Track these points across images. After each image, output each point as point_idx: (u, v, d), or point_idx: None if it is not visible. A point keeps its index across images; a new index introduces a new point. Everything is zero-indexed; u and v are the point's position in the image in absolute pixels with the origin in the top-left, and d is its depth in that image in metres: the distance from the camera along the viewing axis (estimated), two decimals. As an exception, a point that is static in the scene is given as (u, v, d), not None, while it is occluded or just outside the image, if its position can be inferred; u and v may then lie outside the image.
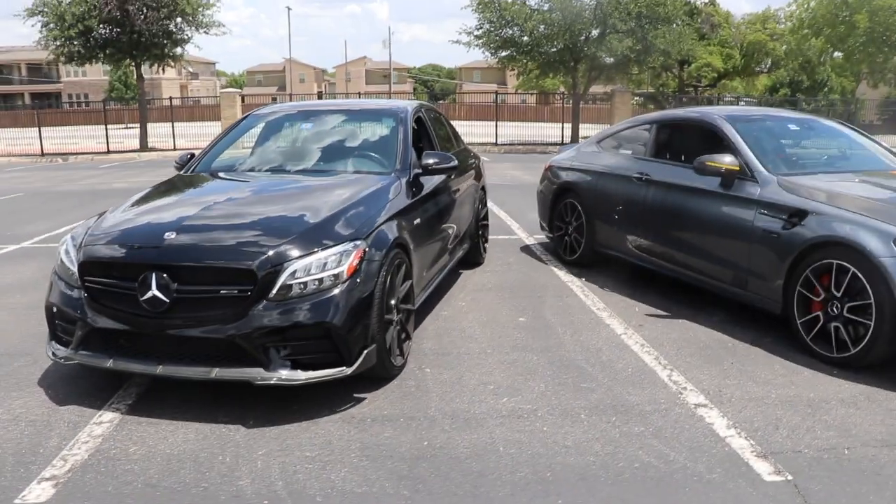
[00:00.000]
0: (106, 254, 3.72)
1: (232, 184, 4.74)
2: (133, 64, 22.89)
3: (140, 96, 24.02)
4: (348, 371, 3.58)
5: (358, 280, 3.63)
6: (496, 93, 27.27)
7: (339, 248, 3.65)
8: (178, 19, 22.31)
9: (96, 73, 53.67)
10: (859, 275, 3.99)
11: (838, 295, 4.12)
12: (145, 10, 21.25)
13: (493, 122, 25.40)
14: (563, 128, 25.54)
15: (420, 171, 4.78)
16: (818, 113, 32.27)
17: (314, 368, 3.55)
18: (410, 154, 4.85)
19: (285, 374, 3.48)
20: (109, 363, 3.61)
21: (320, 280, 3.55)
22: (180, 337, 3.52)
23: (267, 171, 4.97)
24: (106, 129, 22.96)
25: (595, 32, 23.38)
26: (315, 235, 3.68)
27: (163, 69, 24.18)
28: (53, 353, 3.81)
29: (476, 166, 6.67)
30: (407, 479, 2.98)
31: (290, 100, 51.81)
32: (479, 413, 3.59)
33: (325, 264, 3.59)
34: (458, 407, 3.67)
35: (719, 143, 5.19)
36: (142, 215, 4.04)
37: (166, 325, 3.51)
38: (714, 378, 4.01)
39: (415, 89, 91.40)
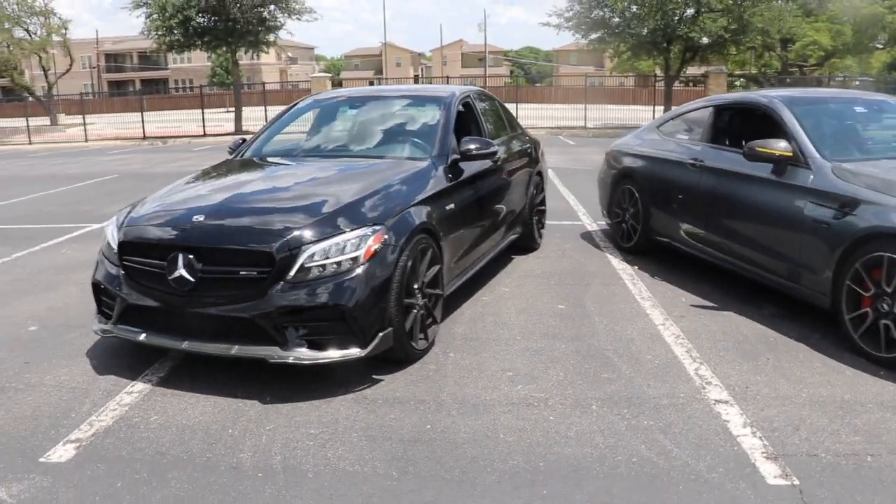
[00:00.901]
0: (141, 234, 3.93)
1: (270, 169, 4.88)
2: (229, 50, 23.75)
3: (235, 81, 25.02)
4: (362, 353, 3.65)
5: (376, 264, 3.68)
6: (585, 76, 26.68)
7: (358, 232, 3.71)
8: (272, 7, 22.96)
9: (200, 60, 56.11)
10: (912, 269, 3.70)
11: (889, 290, 3.85)
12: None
13: (588, 105, 24.96)
14: (654, 111, 24.77)
15: (458, 156, 4.77)
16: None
17: (329, 349, 3.64)
18: (450, 140, 4.84)
19: (300, 354, 3.59)
20: (142, 337, 3.83)
21: (339, 263, 3.63)
22: (204, 315, 3.69)
23: (310, 155, 5.08)
24: (202, 113, 24.05)
25: (689, 12, 22.47)
26: (335, 220, 3.75)
27: (257, 55, 24.99)
28: (96, 327, 4.08)
29: (531, 152, 6.58)
30: (400, 461, 3.02)
31: (386, 83, 52.67)
32: (489, 399, 3.58)
33: (344, 248, 3.66)
34: (471, 392, 3.67)
35: (776, 127, 4.91)
36: (178, 198, 4.23)
37: (192, 303, 3.69)
38: (744, 374, 3.83)
39: (511, 72, 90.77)
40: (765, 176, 4.78)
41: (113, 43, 65.67)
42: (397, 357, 3.94)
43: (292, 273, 3.58)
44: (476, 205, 5.00)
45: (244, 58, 26.97)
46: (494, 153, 4.90)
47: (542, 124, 25.30)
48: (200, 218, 3.81)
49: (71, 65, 31.13)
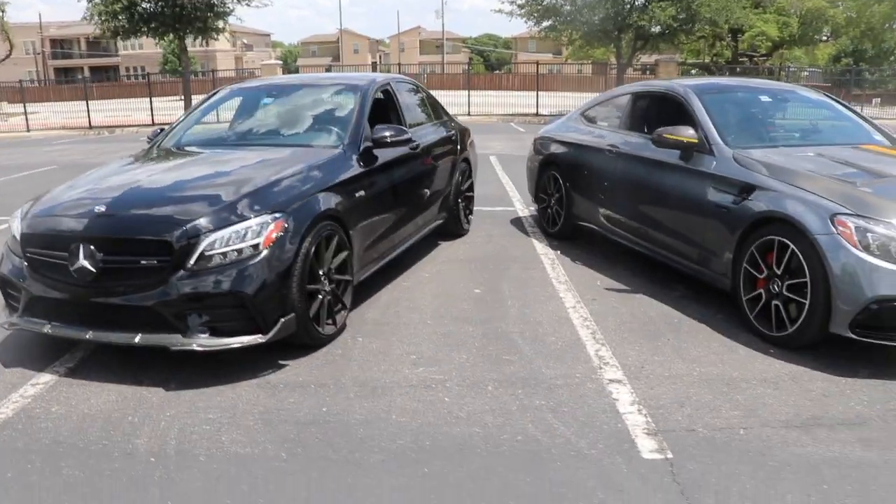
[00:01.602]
0: (43, 226, 3.90)
1: (181, 158, 4.84)
2: (177, 37, 23.31)
3: (184, 69, 24.57)
4: (264, 339, 3.68)
5: (276, 251, 3.71)
6: (537, 63, 26.83)
7: (258, 220, 3.73)
8: (220, -8, 22.57)
9: (152, 47, 54.89)
10: (797, 252, 3.86)
11: (779, 272, 4.00)
12: (187, -16, 21.60)
13: (543, 93, 25.12)
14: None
15: (371, 144, 4.80)
16: (883, 84, 30.75)
17: (231, 335, 3.66)
18: (363, 128, 4.87)
19: (202, 341, 3.61)
20: (47, 328, 3.81)
21: (239, 251, 3.65)
22: (107, 304, 3.68)
23: (224, 145, 5.07)
24: (150, 101, 23.58)
25: (639, 1, 22.74)
26: (235, 208, 3.77)
27: (206, 42, 24.57)
28: (2, 320, 4.03)
29: (455, 140, 6.63)
30: (291, 443, 3.07)
31: (342, 70, 52.22)
32: (389, 382, 3.64)
33: (244, 235, 3.68)
34: (372, 376, 3.72)
35: (686, 115, 5.04)
36: (82, 190, 4.19)
37: (94, 293, 3.68)
38: (642, 354, 3.95)
39: (470, 59, 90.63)
40: (674, 162, 4.91)
41: (58, 28, 63.65)
42: (303, 342, 3.97)
43: (192, 261, 3.59)
44: (391, 191, 5.04)
45: (197, 45, 26.45)
46: (408, 140, 4.94)
47: (496, 111, 25.42)
48: (101, 209, 3.79)
49: (11, 51, 30.15)
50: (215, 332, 3.65)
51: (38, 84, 48.89)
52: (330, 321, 4.16)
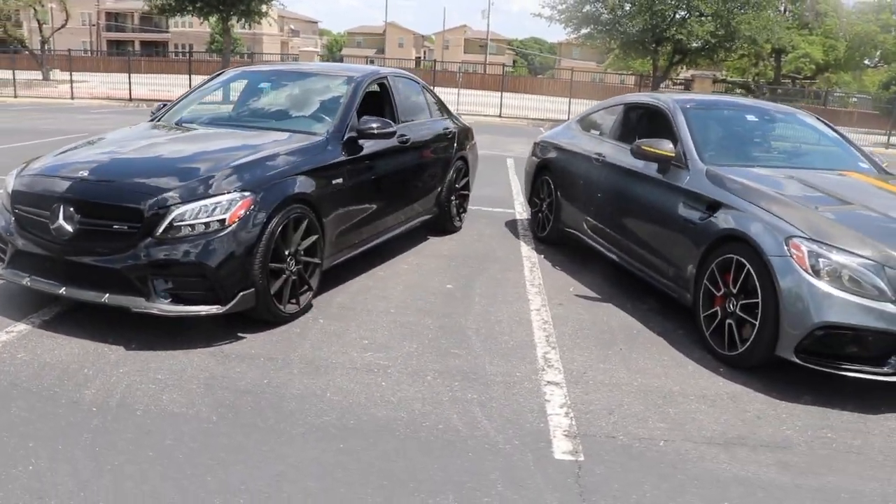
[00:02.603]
0: (31, 185, 4.12)
1: (173, 133, 5.02)
2: (221, 18, 23.74)
3: (224, 49, 24.99)
4: (221, 310, 3.84)
5: (241, 227, 3.86)
6: (571, 70, 26.74)
7: (228, 196, 3.88)
8: (265, -24, 22.92)
9: (202, 26, 55.95)
10: (752, 272, 3.89)
11: (735, 291, 4.04)
12: (234, -34, 21.98)
13: (577, 100, 25.03)
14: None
15: (356, 134, 4.92)
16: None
17: (191, 304, 3.82)
18: (349, 118, 4.99)
19: (163, 306, 3.78)
20: (26, 281, 4.02)
21: (207, 224, 3.81)
22: (81, 263, 3.88)
23: (217, 124, 5.22)
24: (190, 79, 24.04)
25: (679, 14, 22.57)
26: (208, 183, 3.92)
27: (250, 25, 24.96)
28: None
29: (453, 137, 6.72)
30: (224, 408, 3.21)
31: (386, 63, 52.60)
32: (334, 363, 3.77)
33: (213, 210, 3.84)
34: (320, 355, 3.85)
35: (670, 128, 5.09)
36: (75, 155, 4.39)
37: (70, 251, 3.88)
38: (590, 360, 4.02)
39: (514, 62, 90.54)
40: (651, 175, 4.96)
41: (115, 1, 65.22)
42: (263, 317, 4.12)
43: (160, 230, 3.75)
44: (373, 182, 5.16)
45: (245, 27, 26.90)
46: (393, 133, 5.05)
47: (530, 115, 25.40)
48: (84, 173, 3.99)
49: (66, 20, 31.00)
50: (177, 299, 3.81)
51: (91, 54, 50.00)
52: (294, 301, 4.30)
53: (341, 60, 62.63)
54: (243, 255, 3.86)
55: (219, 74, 6.00)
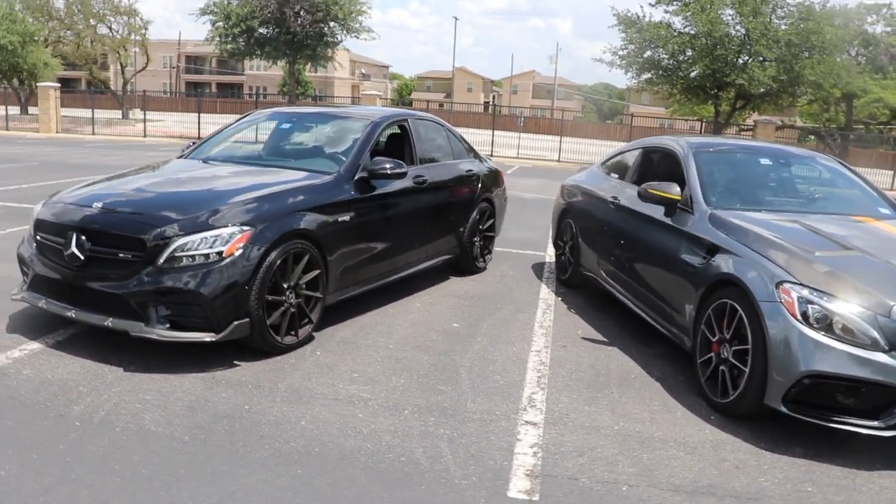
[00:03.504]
0: (51, 214, 4.42)
1: (192, 169, 5.27)
2: (288, 62, 24.78)
3: (290, 91, 26.05)
4: (215, 338, 4.01)
5: (238, 260, 4.03)
6: (632, 115, 26.62)
7: (227, 230, 4.08)
8: (332, 24, 23.87)
9: (276, 69, 58.40)
10: (744, 317, 3.82)
11: (728, 337, 3.96)
12: (301, 14, 23.00)
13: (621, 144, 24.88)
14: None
15: (367, 174, 5.07)
16: None
17: (188, 330, 4.00)
18: (363, 158, 5.15)
19: (161, 331, 3.97)
20: (42, 303, 4.30)
21: (206, 255, 4.01)
22: (89, 288, 4.13)
23: (236, 162, 5.47)
24: (257, 119, 25.07)
25: (741, 60, 22.29)
26: (210, 217, 4.13)
27: (315, 69, 25.96)
28: (15, 292, 4.56)
29: (477, 179, 6.81)
30: (199, 429, 3.34)
31: (453, 107, 53.54)
32: (318, 393, 3.86)
33: (213, 243, 4.03)
34: (307, 385, 3.95)
35: (680, 171, 5.06)
36: (98, 186, 4.71)
37: (80, 277, 4.14)
38: (575, 402, 3.99)
39: (583, 107, 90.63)
40: (659, 218, 4.93)
41: (194, 45, 68.75)
42: (258, 347, 4.26)
43: (162, 260, 3.97)
44: (384, 221, 5.28)
45: (316, 72, 28.03)
46: (404, 174, 5.18)
47: (588, 159, 25.31)
48: (99, 204, 4.27)
49: (146, 64, 32.98)
50: (174, 326, 4.00)
51: (168, 95, 52.78)
52: (293, 333, 4.43)
53: (410, 105, 64.08)
54: (239, 287, 4.02)
55: (246, 115, 6.29)
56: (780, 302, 3.64)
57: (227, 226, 4.10)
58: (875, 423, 3.48)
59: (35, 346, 4.27)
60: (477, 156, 7.22)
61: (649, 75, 24.63)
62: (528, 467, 3.21)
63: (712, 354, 4.08)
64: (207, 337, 4.00)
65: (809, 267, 3.77)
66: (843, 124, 30.15)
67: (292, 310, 4.39)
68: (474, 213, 6.71)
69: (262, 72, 64.20)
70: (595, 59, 54.52)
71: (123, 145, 22.22)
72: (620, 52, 25.09)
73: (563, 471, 3.21)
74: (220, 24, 23.60)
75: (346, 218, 4.83)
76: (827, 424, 3.53)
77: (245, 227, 4.12)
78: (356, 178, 5.03)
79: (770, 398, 3.64)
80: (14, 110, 31.10)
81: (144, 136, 24.77)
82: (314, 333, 4.73)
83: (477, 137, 28.77)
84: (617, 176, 6.20)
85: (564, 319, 5.63)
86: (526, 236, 9.39)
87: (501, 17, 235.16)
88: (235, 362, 4.20)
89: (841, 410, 3.56)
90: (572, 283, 6.61)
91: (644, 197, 4.91)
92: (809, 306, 3.57)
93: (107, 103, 36.46)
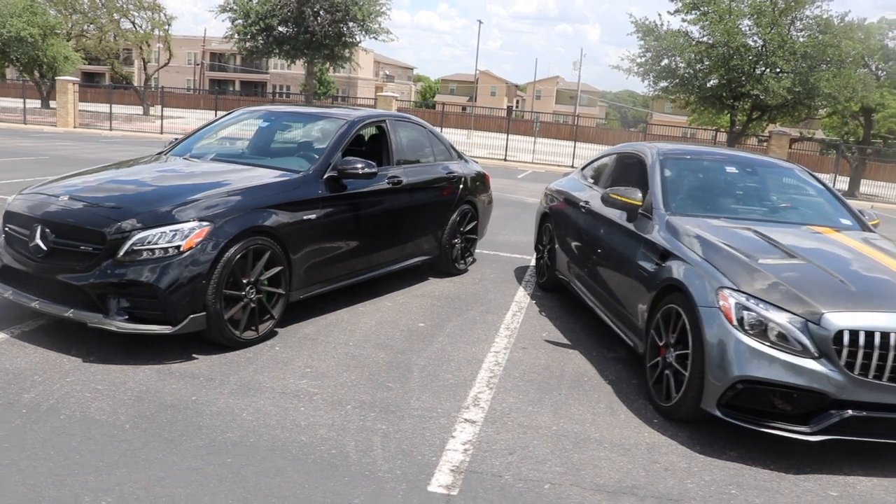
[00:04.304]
0: (20, 206, 4.56)
1: (166, 165, 5.41)
2: (307, 61, 25.02)
3: (308, 91, 26.26)
4: (172, 330, 4.12)
5: (196, 254, 4.14)
6: (650, 124, 26.50)
7: (186, 225, 4.19)
8: (351, 24, 24.08)
9: (299, 68, 58.82)
10: (686, 322, 3.86)
11: (673, 342, 4.00)
12: (321, 13, 23.23)
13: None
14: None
15: (336, 173, 5.17)
16: None
17: (146, 323, 4.12)
18: (334, 158, 5.25)
19: (119, 323, 4.10)
20: (8, 294, 4.44)
21: (165, 250, 4.12)
22: (52, 280, 4.26)
23: (215, 159, 5.58)
24: (273, 118, 25.37)
25: (758, 70, 22.12)
26: (171, 212, 4.25)
27: (333, 68, 26.20)
28: None
29: (458, 182, 6.88)
30: (141, 419, 3.45)
31: (474, 111, 53.66)
32: (268, 387, 3.96)
33: (173, 237, 4.15)
34: (258, 379, 4.05)
35: (645, 177, 5.11)
36: (67, 180, 4.85)
37: (44, 269, 4.27)
38: (519, 403, 4.05)
39: (607, 114, 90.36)
40: (622, 223, 4.98)
41: (219, 42, 69.63)
42: (216, 340, 4.37)
43: (121, 253, 4.09)
44: (355, 220, 5.38)
45: (336, 71, 28.28)
46: (374, 174, 5.26)
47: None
48: (65, 198, 4.40)
49: (169, 59, 33.45)
50: (133, 318, 4.12)
51: (192, 92, 53.46)
52: (253, 328, 4.54)
53: (433, 107, 64.28)
54: (195, 280, 4.14)
55: (228, 113, 6.42)
56: (719, 307, 3.69)
57: (187, 221, 4.21)
58: (804, 429, 3.53)
59: (1, 336, 4.41)
60: (461, 158, 7.30)
61: (665, 84, 24.53)
62: (455, 463, 3.28)
63: (659, 359, 4.13)
64: (164, 329, 4.11)
65: (750, 274, 3.81)
66: (860, 139, 29.79)
67: (252, 305, 4.50)
68: (454, 215, 6.78)
69: (286, 71, 64.77)
70: (613, 66, 54.19)
71: (139, 141, 22.58)
72: (638, 60, 25.01)
73: (489, 468, 3.27)
74: (240, 21, 23.92)
75: (313, 216, 4.92)
76: (759, 429, 3.56)
77: (204, 223, 4.23)
78: (326, 176, 5.13)
79: (706, 402, 3.68)
80: (35, 104, 31.74)
81: (161, 132, 25.15)
82: (278, 329, 4.84)
83: (494, 141, 28.93)
84: (593, 181, 6.25)
85: (533, 322, 5.68)
86: (517, 240, 9.44)
87: (530, 22, 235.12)
88: (194, 355, 4.32)
89: (774, 416, 3.61)
90: (548, 287, 6.67)
91: (606, 202, 4.97)
92: (746, 312, 3.61)
93: (129, 98, 37.11)
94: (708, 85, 22.97)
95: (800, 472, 3.52)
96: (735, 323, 3.61)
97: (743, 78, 21.97)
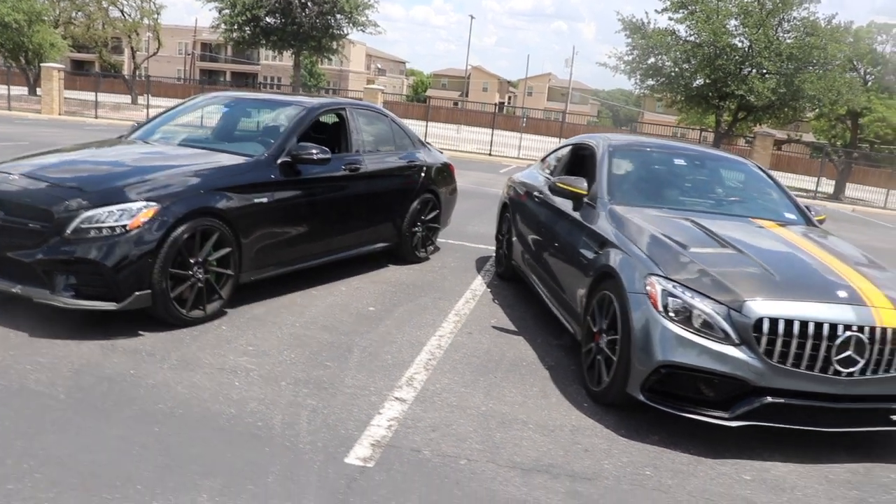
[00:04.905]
0: None
1: (123, 148, 5.49)
2: (294, 53, 25.04)
3: (294, 82, 26.29)
4: (117, 306, 4.22)
5: (142, 233, 4.24)
6: (639, 123, 26.65)
7: (134, 204, 4.29)
8: (338, 16, 24.11)
9: (290, 59, 58.62)
10: (616, 308, 3.97)
11: (605, 328, 4.12)
12: (308, 4, 23.26)
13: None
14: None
15: (290, 159, 5.27)
16: None
17: (91, 299, 4.21)
18: (289, 143, 5.34)
19: (65, 299, 4.19)
20: None
21: (112, 228, 4.22)
22: (2, 256, 4.33)
23: (170, 143, 5.68)
24: (259, 108, 25.40)
25: (744, 71, 22.29)
26: (120, 191, 4.34)
27: (321, 61, 26.19)
28: None
29: (420, 170, 6.97)
30: (79, 390, 3.55)
31: (465, 106, 53.76)
32: (207, 363, 4.06)
33: (120, 216, 4.24)
34: (199, 356, 4.15)
35: (594, 167, 5.22)
36: (25, 159, 4.92)
37: None
38: (452, 384, 4.15)
39: (599, 112, 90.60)
40: (568, 212, 5.10)
41: (210, 32, 69.46)
42: (161, 318, 4.47)
43: (69, 231, 4.18)
44: (309, 205, 5.47)
45: (330, 63, 28.30)
46: (328, 160, 5.36)
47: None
48: (15, 176, 4.48)
49: (158, 49, 33.39)
50: (78, 294, 4.21)
51: (182, 82, 53.35)
52: (200, 307, 4.63)
53: (425, 101, 64.27)
54: (141, 259, 4.23)
55: (190, 99, 6.51)
56: (646, 294, 3.80)
57: (135, 201, 4.30)
58: (724, 415, 3.64)
59: (-45, 309, 4.50)
60: (426, 148, 7.40)
61: (652, 82, 24.68)
62: (376, 438, 3.39)
63: (593, 344, 4.24)
64: (109, 306, 4.21)
65: (679, 262, 3.93)
66: (846, 142, 30.05)
67: (200, 285, 4.59)
68: (415, 204, 6.88)
69: (277, 62, 64.64)
70: (600, 63, 54.37)
71: (122, 129, 22.51)
72: (625, 58, 25.14)
73: (409, 443, 3.38)
74: (227, 11, 23.95)
75: (264, 199, 5.02)
76: (680, 414, 3.68)
77: (151, 203, 4.32)
78: (280, 161, 5.22)
79: (631, 387, 3.80)
80: (23, 91, 31.64)
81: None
82: (228, 309, 4.94)
83: (483, 136, 29.02)
84: (549, 172, 6.36)
85: (484, 309, 5.80)
86: (485, 231, 9.53)
87: (526, 19, 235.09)
88: (140, 332, 4.41)
89: (697, 402, 3.72)
90: (506, 277, 6.78)
91: (553, 190, 5.09)
92: (671, 299, 3.73)
93: (120, 87, 36.96)
94: (694, 84, 23.13)
95: (718, 457, 3.62)
96: (660, 309, 3.72)
97: (728, 78, 22.13)
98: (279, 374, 4.01)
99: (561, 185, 5.00)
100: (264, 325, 4.80)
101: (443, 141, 27.64)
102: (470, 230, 9.54)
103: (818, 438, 3.86)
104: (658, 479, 3.36)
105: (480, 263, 7.55)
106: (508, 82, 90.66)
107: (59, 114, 24.85)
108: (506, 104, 76.98)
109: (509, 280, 6.77)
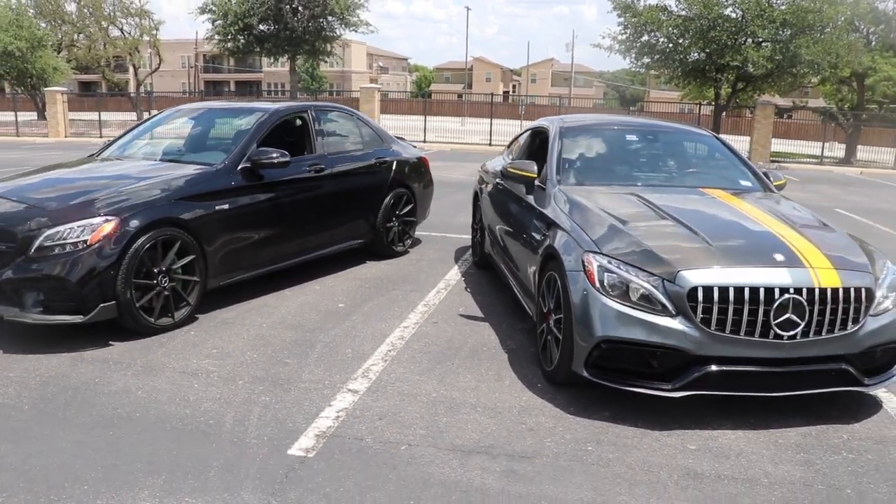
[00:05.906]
0: None
1: (88, 166, 5.69)
2: (289, 58, 25.25)
3: (292, 87, 26.52)
4: (83, 319, 4.39)
5: (103, 247, 4.41)
6: (643, 101, 26.52)
7: (94, 220, 4.46)
8: (329, 18, 24.27)
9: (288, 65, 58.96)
10: (560, 287, 4.06)
11: (552, 307, 4.20)
12: (299, 9, 23.44)
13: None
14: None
15: (249, 164, 5.41)
16: None
17: (59, 313, 4.40)
18: (248, 149, 5.49)
19: (34, 315, 4.39)
20: None
21: (74, 244, 4.39)
22: (-27, 277, 4.52)
23: (137, 157, 5.87)
24: (259, 115, 25.67)
25: (740, 41, 22.10)
26: (79, 208, 4.52)
27: (316, 64, 26.36)
28: None
29: (390, 167, 7.08)
30: (42, 400, 3.73)
31: (469, 98, 53.72)
32: (170, 367, 4.22)
33: (81, 232, 4.42)
34: (164, 361, 4.31)
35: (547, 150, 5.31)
36: None
37: None
38: (407, 374, 4.27)
39: (605, 94, 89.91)
40: (522, 196, 5.19)
41: (212, 45, 69.84)
42: (130, 327, 4.64)
43: (32, 249, 4.36)
44: (273, 208, 5.61)
45: (330, 65, 28.51)
46: (287, 163, 5.50)
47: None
48: (-18, 199, 4.66)
49: (159, 64, 33.81)
50: (47, 310, 4.39)
51: (186, 95, 53.84)
52: (169, 315, 4.80)
53: (429, 96, 64.30)
54: (104, 272, 4.40)
55: (158, 113, 6.69)
56: (584, 271, 3.88)
57: (94, 216, 4.47)
58: (667, 386, 3.71)
59: (-64, 330, 4.70)
60: (399, 144, 7.51)
61: (648, 60, 24.56)
62: (322, 429, 3.52)
63: (545, 325, 4.33)
64: (76, 319, 4.39)
65: (616, 237, 4.00)
66: (853, 104, 29.63)
67: (166, 293, 4.75)
68: (388, 199, 7.01)
69: (279, 69, 64.95)
70: (594, 45, 53.93)
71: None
72: (619, 38, 25.02)
73: (353, 432, 3.51)
74: (220, 22, 24.22)
75: (226, 206, 5.17)
76: (623, 388, 3.76)
77: (111, 217, 4.49)
78: (240, 167, 5.37)
79: (576, 364, 3.88)
80: (32, 116, 32.22)
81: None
82: (199, 315, 5.10)
83: (485, 127, 28.98)
84: (512, 157, 6.45)
85: (454, 298, 5.91)
86: (470, 221, 9.62)
87: (525, 6, 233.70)
88: (110, 342, 4.59)
89: (640, 375, 3.79)
90: (482, 265, 6.89)
91: (505, 175, 5.17)
92: (607, 274, 3.80)
93: (126, 105, 37.45)
94: (689, 59, 22.97)
95: (665, 429, 3.67)
96: (598, 285, 3.79)
97: (723, 49, 21.97)
98: (238, 374, 4.15)
99: (512, 170, 5.09)
100: (232, 328, 4.96)
101: (448, 134, 27.73)
102: (456, 221, 9.64)
103: (774, 405, 3.88)
104: (599, 453, 3.43)
105: (460, 254, 7.66)
106: (511, 71, 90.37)
107: (66, 136, 25.28)
108: (510, 93, 76.71)
109: (485, 268, 6.87)
